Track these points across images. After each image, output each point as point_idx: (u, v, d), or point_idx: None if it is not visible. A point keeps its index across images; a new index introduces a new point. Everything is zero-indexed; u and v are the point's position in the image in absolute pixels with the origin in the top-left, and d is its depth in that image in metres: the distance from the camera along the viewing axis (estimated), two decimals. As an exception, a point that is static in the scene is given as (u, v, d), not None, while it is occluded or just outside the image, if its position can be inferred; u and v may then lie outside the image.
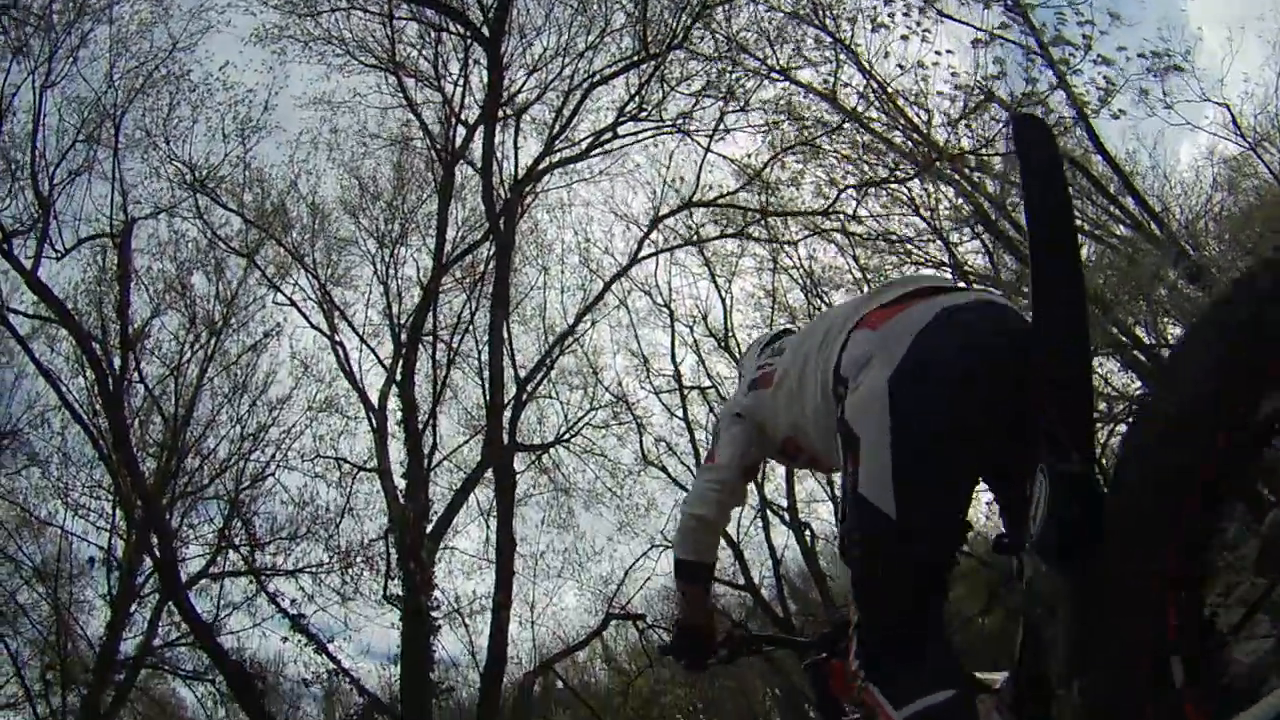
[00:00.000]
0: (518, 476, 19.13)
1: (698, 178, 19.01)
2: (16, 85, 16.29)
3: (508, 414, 18.41)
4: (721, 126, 18.42)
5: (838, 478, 2.33)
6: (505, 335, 18.66)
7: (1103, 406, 25.14)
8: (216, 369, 20.80)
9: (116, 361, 17.61)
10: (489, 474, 18.88)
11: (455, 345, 20.06)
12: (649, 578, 21.72)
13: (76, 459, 20.24)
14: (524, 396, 19.15)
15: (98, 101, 17.50)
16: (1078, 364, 1.92)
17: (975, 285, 15.14)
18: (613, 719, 19.92)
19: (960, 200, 18.73)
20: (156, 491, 18.09)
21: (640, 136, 20.10)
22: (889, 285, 2.46)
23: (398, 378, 19.07)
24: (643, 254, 20.90)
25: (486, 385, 18.81)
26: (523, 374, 19.29)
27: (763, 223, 19.26)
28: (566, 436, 20.65)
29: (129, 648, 20.55)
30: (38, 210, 16.60)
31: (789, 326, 3.97)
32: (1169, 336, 19.89)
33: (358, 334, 20.46)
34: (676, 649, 3.32)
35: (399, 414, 18.87)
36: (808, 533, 22.71)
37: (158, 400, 19.88)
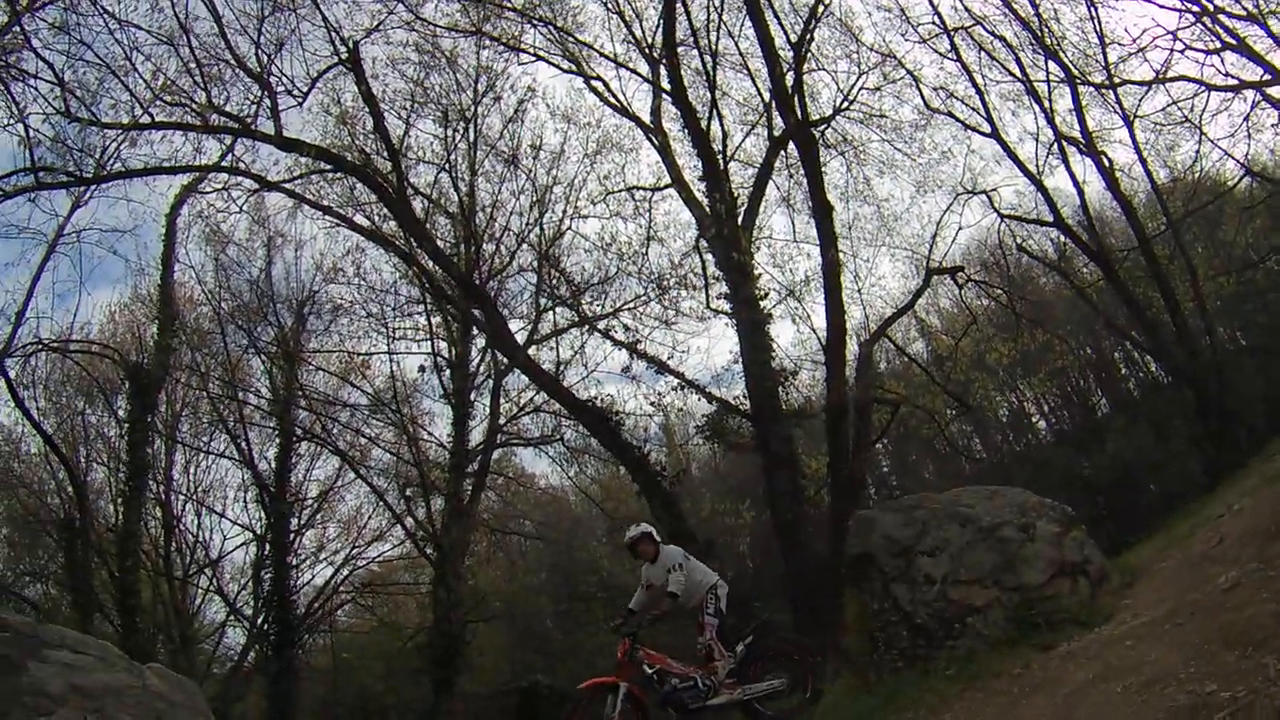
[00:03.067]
0: (803, 159, 18.74)
1: None
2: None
3: (790, 81, 17.91)
4: None
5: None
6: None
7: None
8: (483, 153, 21.35)
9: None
10: (780, 161, 18.87)
11: (714, 44, 19.31)
12: (959, 230, 21.65)
13: (380, 286, 21.94)
14: (803, 62, 18.46)
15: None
16: None
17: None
18: (943, 382, 19.93)
19: None
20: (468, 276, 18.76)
21: None
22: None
23: (665, 87, 18.89)
24: None
25: (758, 66, 18.48)
26: (793, 37, 18.43)
27: None
28: (844, 106, 19.88)
29: (475, 437, 22.70)
30: (257, 89, 16.93)
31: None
32: None
33: (614, 61, 20.17)
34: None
35: (678, 127, 18.89)
36: (1105, 159, 21.49)
37: (437, 202, 20.72)
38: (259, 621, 23.99)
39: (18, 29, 14.84)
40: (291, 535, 24.19)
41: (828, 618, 14.19)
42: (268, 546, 23.80)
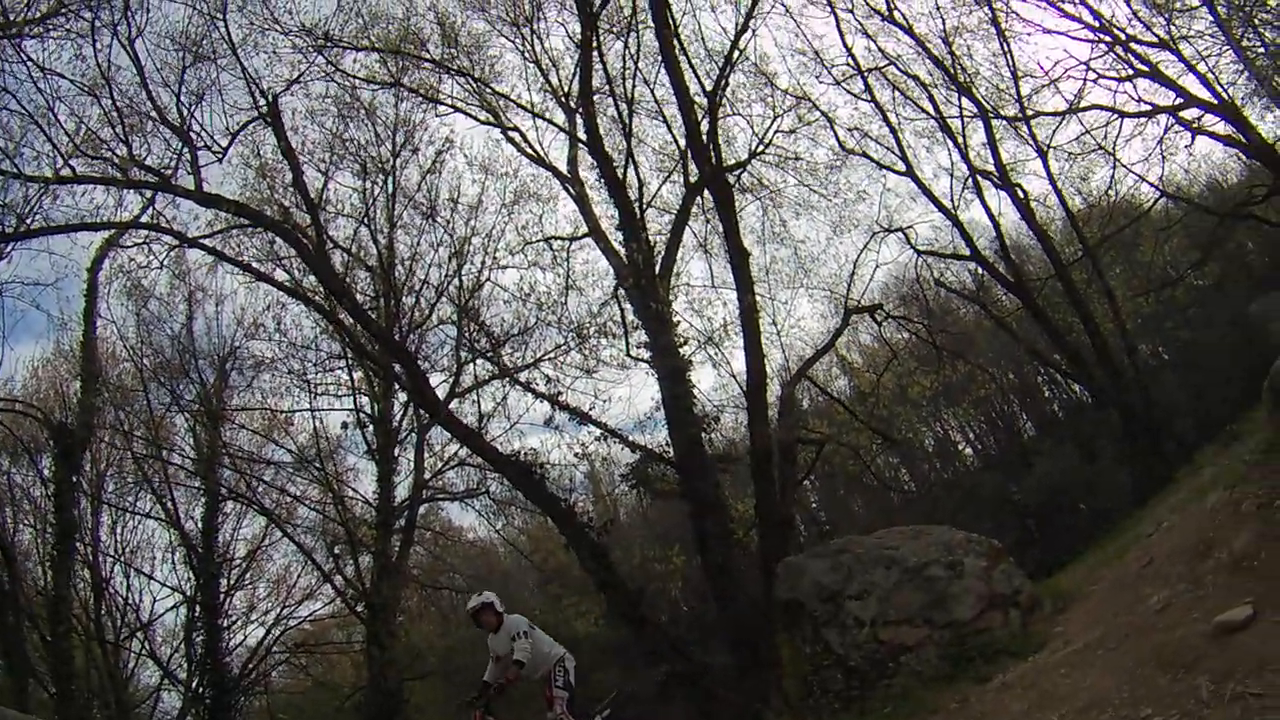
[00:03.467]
0: (720, 204, 18.83)
1: None
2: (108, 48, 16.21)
3: (705, 129, 18.03)
4: None
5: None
6: (676, 47, 18.04)
7: None
8: (402, 205, 21.21)
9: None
10: (697, 207, 19.00)
11: (630, 92, 19.34)
12: (876, 267, 21.94)
13: (301, 343, 21.36)
14: (718, 108, 18.56)
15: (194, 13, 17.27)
16: None
17: None
18: (866, 418, 20.12)
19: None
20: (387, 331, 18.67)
21: None
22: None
23: (582, 136, 18.95)
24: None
25: (674, 113, 18.50)
26: (708, 85, 18.56)
27: None
28: (759, 150, 20.11)
29: (401, 492, 22.46)
30: (178, 141, 16.83)
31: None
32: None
33: (531, 111, 20.22)
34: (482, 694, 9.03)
35: (595, 176, 18.92)
36: (1020, 191, 21.88)
37: (357, 255, 20.62)
38: (193, 685, 23.47)
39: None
40: (222, 596, 23.73)
41: (766, 658, 14.24)
42: (198, 608, 23.27)
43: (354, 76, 19.51)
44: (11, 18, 15.09)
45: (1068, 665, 7.23)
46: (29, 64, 15.54)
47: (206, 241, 17.98)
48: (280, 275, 19.35)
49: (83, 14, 15.72)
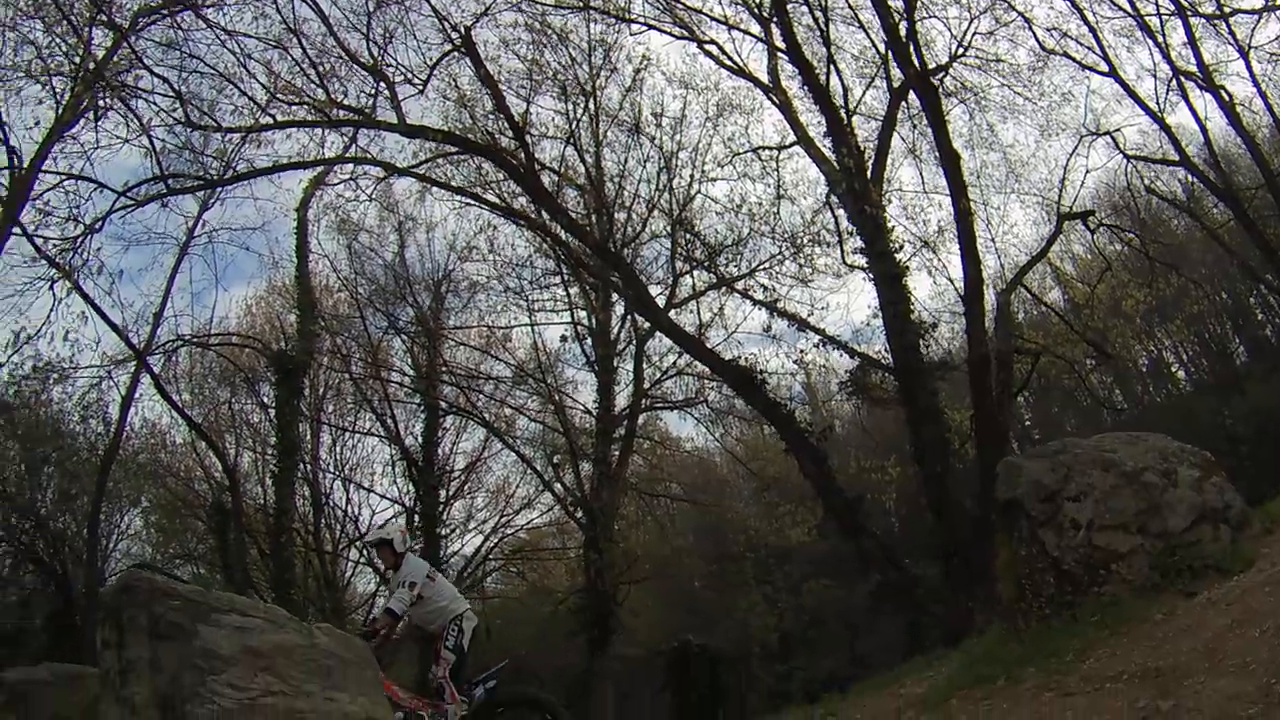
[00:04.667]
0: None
1: None
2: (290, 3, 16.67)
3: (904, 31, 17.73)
4: None
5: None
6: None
7: None
8: (606, 124, 21.69)
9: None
10: (902, 112, 18.84)
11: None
12: (1086, 173, 21.98)
13: (515, 261, 22.36)
14: (914, 10, 18.09)
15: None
16: None
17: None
18: (1084, 329, 19.68)
19: None
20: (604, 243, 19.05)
21: None
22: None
23: (780, 45, 18.88)
24: None
25: (869, 18, 18.35)
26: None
27: None
28: (959, 53, 19.45)
29: (620, 402, 23.32)
30: (374, 81, 17.25)
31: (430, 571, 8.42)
32: None
33: (724, 24, 20.14)
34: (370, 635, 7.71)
35: (797, 85, 18.90)
36: (1225, 94, 20.81)
37: (565, 175, 20.89)
38: (410, 590, 24.88)
39: (127, 49, 15.45)
40: (440, 506, 25.12)
41: (978, 569, 14.22)
42: (417, 517, 24.67)
43: (541, 3, 19.58)
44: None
45: (1272, 584, 7.20)
46: (213, 29, 16.08)
47: (415, 171, 18.73)
48: (489, 199, 20.03)
49: (259, -25, 16.24)
